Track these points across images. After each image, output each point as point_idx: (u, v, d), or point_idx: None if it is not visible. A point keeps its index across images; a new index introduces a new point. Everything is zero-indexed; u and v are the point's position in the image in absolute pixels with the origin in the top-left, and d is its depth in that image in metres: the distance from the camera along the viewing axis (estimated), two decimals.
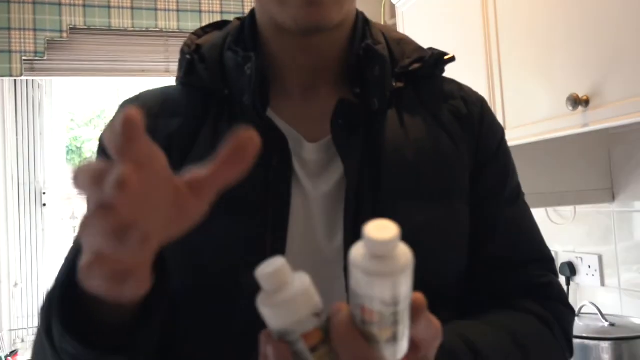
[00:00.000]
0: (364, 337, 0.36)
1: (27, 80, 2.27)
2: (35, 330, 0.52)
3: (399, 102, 0.65)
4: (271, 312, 0.36)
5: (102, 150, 0.66)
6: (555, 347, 0.63)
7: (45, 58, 2.17)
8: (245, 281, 0.45)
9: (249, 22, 0.67)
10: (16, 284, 2.23)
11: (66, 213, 2.43)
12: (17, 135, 2.26)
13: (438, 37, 1.65)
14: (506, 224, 0.67)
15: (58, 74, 2.23)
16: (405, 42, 0.69)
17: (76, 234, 0.43)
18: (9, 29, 2.12)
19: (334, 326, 0.37)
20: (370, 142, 0.61)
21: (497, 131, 0.71)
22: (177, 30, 2.34)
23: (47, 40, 2.17)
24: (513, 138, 1.33)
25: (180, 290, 0.56)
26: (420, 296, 0.38)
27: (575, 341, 1.28)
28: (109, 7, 2.25)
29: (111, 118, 0.66)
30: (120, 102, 0.70)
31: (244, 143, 0.34)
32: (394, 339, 0.37)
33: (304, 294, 0.36)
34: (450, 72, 0.73)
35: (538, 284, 0.66)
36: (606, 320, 1.31)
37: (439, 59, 0.68)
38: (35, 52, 2.14)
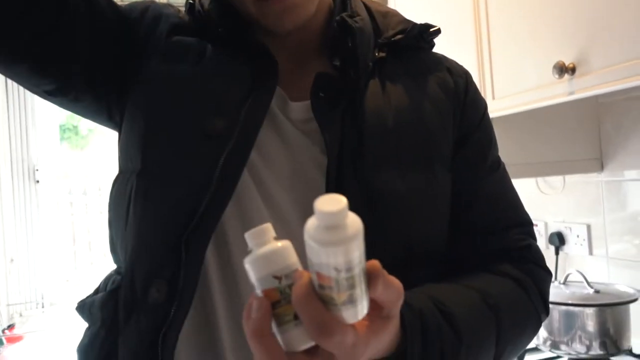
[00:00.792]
0: (321, 301, 0.39)
1: None
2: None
3: (382, 72, 0.66)
4: (247, 267, 0.41)
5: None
6: (529, 307, 0.65)
7: None
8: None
9: None
10: (12, 260, 2.25)
11: (62, 189, 2.44)
12: (8, 112, 2.26)
13: (428, 10, 1.64)
14: (487, 191, 0.68)
15: None
16: (390, 15, 0.71)
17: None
18: None
19: (294, 290, 0.39)
20: (352, 112, 0.62)
21: (480, 103, 0.72)
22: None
23: None
24: (502, 108, 1.33)
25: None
26: (374, 263, 0.40)
27: (560, 308, 1.30)
28: None
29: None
30: None
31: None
32: (351, 301, 0.38)
33: (274, 254, 0.40)
34: (439, 43, 0.73)
35: (516, 247, 0.67)
36: (591, 287, 1.33)
37: (423, 30, 0.69)
38: None
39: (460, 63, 0.75)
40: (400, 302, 0.43)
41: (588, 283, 1.34)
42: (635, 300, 1.28)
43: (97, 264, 2.40)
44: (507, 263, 0.66)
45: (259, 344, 0.40)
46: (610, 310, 1.26)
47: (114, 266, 0.68)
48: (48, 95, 0.65)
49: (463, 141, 0.68)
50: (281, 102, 0.63)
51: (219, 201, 0.56)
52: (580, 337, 1.28)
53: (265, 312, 0.40)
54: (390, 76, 0.66)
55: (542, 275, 0.68)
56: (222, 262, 0.58)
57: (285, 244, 0.41)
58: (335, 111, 0.61)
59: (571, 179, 1.61)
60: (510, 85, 1.31)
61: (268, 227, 0.41)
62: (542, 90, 1.19)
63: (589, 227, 1.55)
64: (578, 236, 1.58)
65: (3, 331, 1.96)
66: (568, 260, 1.64)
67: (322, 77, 0.62)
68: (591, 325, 1.27)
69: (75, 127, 4.01)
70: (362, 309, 0.40)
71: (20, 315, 2.23)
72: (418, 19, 0.71)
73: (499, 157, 0.73)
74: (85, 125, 3.84)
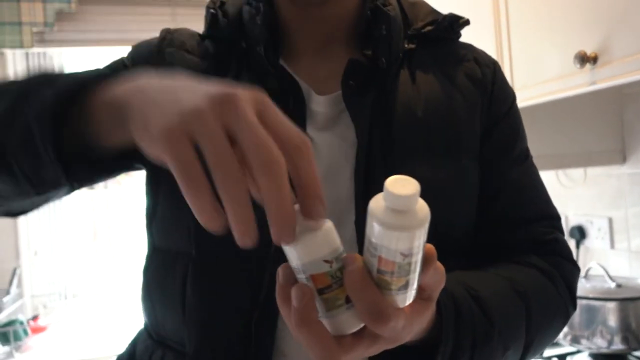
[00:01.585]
0: (377, 285, 0.38)
1: (37, 52, 2.29)
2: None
3: (411, 62, 0.66)
4: (289, 250, 0.37)
5: (130, 54, 0.70)
6: (557, 299, 0.64)
7: (55, 29, 2.18)
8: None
9: None
10: (36, 253, 2.30)
11: None
12: None
13: None
14: (514, 182, 0.68)
15: (68, 45, 2.25)
16: (419, 5, 0.71)
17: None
18: (19, 0, 2.13)
19: (348, 274, 0.38)
20: (382, 102, 0.62)
21: (509, 94, 0.72)
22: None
23: (56, 11, 2.17)
24: (522, 99, 1.32)
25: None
26: (431, 247, 0.39)
27: (582, 302, 1.28)
28: None
29: (147, 40, 0.71)
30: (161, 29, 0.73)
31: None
32: (405, 287, 0.38)
33: (322, 237, 0.37)
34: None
35: (543, 241, 0.67)
36: (613, 281, 1.31)
37: (453, 21, 0.69)
38: (45, 23, 2.16)
39: None
40: (442, 285, 0.43)
41: (610, 277, 1.32)
42: None
43: (117, 258, 2.44)
44: (534, 255, 0.65)
45: (308, 332, 0.38)
46: (632, 305, 1.24)
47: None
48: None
49: (490, 131, 0.67)
50: (307, 97, 0.63)
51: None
52: (601, 332, 1.26)
53: (308, 299, 0.38)
54: (419, 66, 0.66)
55: (569, 269, 0.67)
56: None
57: (329, 225, 0.37)
58: (365, 99, 0.62)
59: (593, 171, 1.58)
60: (530, 76, 1.29)
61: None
62: (563, 80, 1.18)
63: (610, 220, 1.53)
64: (599, 229, 1.56)
65: (28, 322, 2.01)
66: (589, 254, 1.62)
67: (354, 64, 0.62)
68: (613, 320, 1.25)
69: None
70: (412, 294, 0.39)
71: (45, 306, 2.28)
72: (436, 6, 0.71)
73: (527, 149, 0.72)
74: None
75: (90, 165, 0.47)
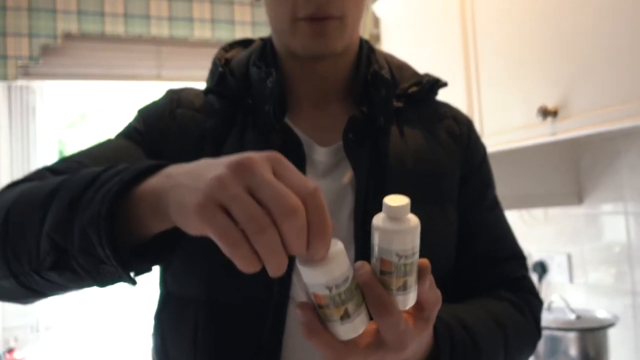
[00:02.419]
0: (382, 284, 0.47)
1: (20, 85, 2.31)
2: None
3: (399, 119, 0.76)
4: (304, 271, 0.44)
5: (142, 118, 0.75)
6: (528, 329, 0.74)
7: (40, 63, 2.22)
8: None
9: (269, 44, 0.77)
10: None
11: None
12: (10, 139, 2.29)
13: (421, 50, 1.76)
14: (488, 226, 0.78)
15: (52, 78, 2.28)
16: (405, 68, 0.80)
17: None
18: (5, 34, 2.17)
19: (361, 275, 0.47)
20: (376, 153, 0.71)
21: (481, 148, 0.82)
22: (169, 38, 2.41)
23: (42, 46, 2.22)
24: (489, 145, 1.43)
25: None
26: (425, 260, 0.49)
27: (545, 332, 1.39)
28: (103, 14, 2.31)
29: (155, 100, 0.77)
30: (167, 89, 0.79)
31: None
32: (404, 288, 0.47)
33: (325, 266, 0.43)
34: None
35: (513, 277, 0.77)
36: (573, 313, 1.42)
37: (433, 84, 0.79)
38: (30, 57, 2.19)
39: (451, 103, 0.85)
40: (438, 306, 0.51)
41: (570, 309, 1.43)
42: (613, 325, 1.37)
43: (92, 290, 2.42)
44: (506, 290, 0.75)
45: (317, 339, 0.46)
46: (591, 335, 1.35)
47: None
48: None
49: (466, 180, 0.77)
50: (309, 148, 0.71)
51: (281, 319, 0.65)
52: None
53: (309, 317, 0.46)
54: (406, 123, 0.76)
55: (535, 303, 0.78)
56: None
57: (337, 252, 0.44)
58: (363, 150, 0.70)
59: (553, 211, 1.71)
60: (497, 125, 1.41)
61: None
62: (527, 130, 1.30)
63: (569, 256, 1.66)
64: (559, 265, 1.68)
65: (4, 354, 1.96)
66: (550, 287, 1.73)
67: (354, 120, 0.70)
68: (573, 349, 1.36)
69: (61, 151, 4.02)
70: (412, 298, 0.48)
71: (16, 339, 2.23)
72: (411, 57, 0.80)
73: (496, 196, 0.82)
74: (71, 148, 3.84)
75: (137, 256, 0.50)
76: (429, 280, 0.49)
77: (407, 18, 1.83)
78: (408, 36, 1.83)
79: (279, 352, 0.64)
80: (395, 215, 0.44)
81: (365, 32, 2.30)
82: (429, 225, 0.69)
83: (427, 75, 0.80)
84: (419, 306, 0.50)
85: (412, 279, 0.47)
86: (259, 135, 0.70)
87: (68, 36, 2.27)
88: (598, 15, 1.09)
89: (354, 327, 0.46)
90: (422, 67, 0.90)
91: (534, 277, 1.75)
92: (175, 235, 0.50)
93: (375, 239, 0.46)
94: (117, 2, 2.32)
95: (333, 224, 0.41)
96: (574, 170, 1.62)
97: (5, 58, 2.16)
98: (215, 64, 0.77)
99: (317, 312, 0.46)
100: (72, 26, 2.27)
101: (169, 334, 0.70)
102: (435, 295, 0.50)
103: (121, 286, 0.52)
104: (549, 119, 1.21)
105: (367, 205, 0.67)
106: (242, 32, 2.46)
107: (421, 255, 0.48)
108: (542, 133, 1.25)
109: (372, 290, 0.47)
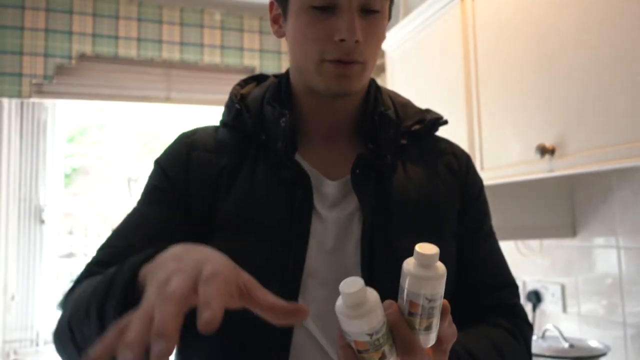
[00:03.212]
0: (407, 324, 0.52)
1: (33, 102, 2.37)
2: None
3: (403, 155, 0.81)
4: (345, 322, 0.50)
5: (161, 170, 0.79)
6: (522, 355, 0.80)
7: (53, 82, 2.28)
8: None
9: (285, 82, 0.83)
10: (13, 297, 2.28)
11: (63, 229, 2.50)
12: (21, 153, 2.34)
13: (424, 84, 1.83)
14: (485, 256, 0.84)
15: (64, 97, 2.33)
16: (409, 106, 0.86)
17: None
18: (22, 53, 2.23)
19: (389, 315, 0.52)
20: (382, 187, 0.77)
21: (478, 181, 0.88)
22: (180, 61, 2.48)
23: (57, 65, 2.28)
24: (489, 178, 1.50)
25: None
26: (446, 302, 0.54)
27: (539, 359, 1.44)
28: (117, 37, 2.38)
29: (168, 145, 0.81)
30: (179, 134, 0.83)
31: (296, 314, 0.46)
32: (428, 328, 0.52)
33: (367, 316, 0.49)
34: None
35: (507, 304, 0.83)
36: (567, 342, 1.48)
37: (435, 121, 0.85)
38: (45, 76, 2.26)
39: (453, 139, 0.90)
40: (454, 340, 0.57)
41: (564, 338, 1.49)
42: (604, 355, 1.43)
43: None
44: (500, 317, 0.81)
45: None
46: None
47: None
48: None
49: (464, 211, 0.83)
50: (318, 182, 0.76)
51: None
52: None
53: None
54: (409, 159, 0.81)
55: (527, 330, 0.83)
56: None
57: (375, 302, 0.49)
58: (370, 185, 0.76)
59: (547, 242, 1.77)
60: (497, 160, 1.47)
61: (362, 287, 0.48)
62: (524, 166, 1.36)
63: (563, 287, 1.71)
64: (553, 295, 1.74)
65: None
66: (544, 316, 1.78)
67: (362, 157, 0.76)
68: None
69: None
70: (433, 338, 0.54)
71: (16, 353, 2.24)
72: (416, 92, 0.85)
73: (492, 226, 0.88)
74: (70, 162, 3.89)
75: None
76: (449, 318, 0.55)
77: (411, 51, 1.91)
78: (412, 69, 1.91)
79: None
80: (425, 262, 0.49)
81: None
82: None
83: (428, 112, 0.85)
84: (438, 341, 0.56)
85: (436, 320, 0.52)
86: (269, 170, 0.76)
87: (82, 57, 2.34)
88: (593, 64, 1.17)
89: None
90: (425, 100, 0.94)
91: (528, 305, 1.80)
92: None
93: (406, 283, 0.50)
94: (131, 26, 2.40)
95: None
96: (569, 204, 1.69)
97: (21, 76, 2.22)
98: (231, 100, 0.81)
99: (357, 356, 0.52)
100: (87, 47, 2.34)
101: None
102: (452, 331, 0.56)
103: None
104: (547, 156, 1.27)
105: (372, 236, 0.73)
106: (250, 59, 2.54)
107: None
108: (540, 169, 1.30)
109: (400, 331, 0.52)
